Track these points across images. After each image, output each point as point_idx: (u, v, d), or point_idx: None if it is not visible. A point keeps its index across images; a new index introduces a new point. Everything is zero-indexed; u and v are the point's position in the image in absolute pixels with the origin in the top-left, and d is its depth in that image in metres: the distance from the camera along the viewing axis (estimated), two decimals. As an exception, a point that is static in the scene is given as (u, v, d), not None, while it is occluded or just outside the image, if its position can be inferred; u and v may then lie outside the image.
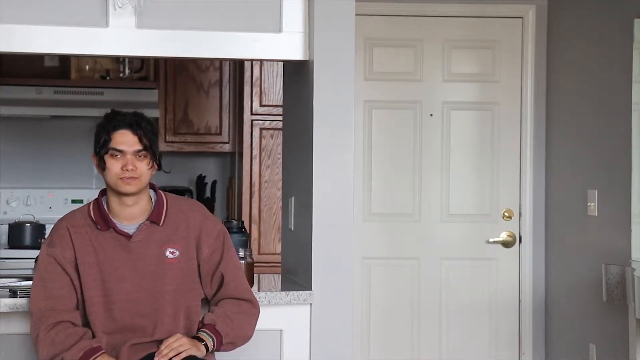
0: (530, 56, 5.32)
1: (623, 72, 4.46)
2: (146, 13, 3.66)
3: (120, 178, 3.16)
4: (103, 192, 3.28)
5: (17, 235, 5.77)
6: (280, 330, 3.67)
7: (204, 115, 6.01)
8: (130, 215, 3.24)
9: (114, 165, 3.17)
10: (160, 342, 3.15)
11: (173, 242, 3.25)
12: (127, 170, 3.15)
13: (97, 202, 3.27)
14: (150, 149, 3.19)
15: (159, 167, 3.25)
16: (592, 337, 4.77)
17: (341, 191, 3.74)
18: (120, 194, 3.20)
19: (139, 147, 3.18)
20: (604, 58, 4.70)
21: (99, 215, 3.24)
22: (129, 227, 3.24)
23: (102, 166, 3.19)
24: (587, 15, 4.88)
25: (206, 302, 3.35)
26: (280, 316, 3.66)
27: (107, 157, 3.18)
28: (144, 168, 3.19)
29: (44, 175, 6.18)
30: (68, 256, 3.21)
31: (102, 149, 3.18)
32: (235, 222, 3.87)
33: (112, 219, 3.23)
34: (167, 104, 5.98)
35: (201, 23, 3.72)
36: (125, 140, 3.17)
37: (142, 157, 3.18)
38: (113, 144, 3.17)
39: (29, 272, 3.93)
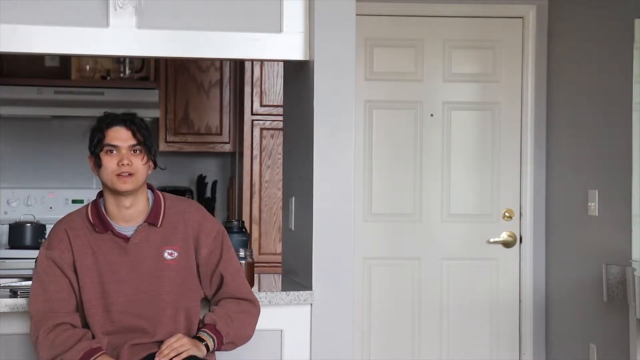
0: (530, 56, 5.32)
1: (623, 72, 4.46)
2: (146, 13, 3.66)
3: (117, 175, 3.15)
4: (101, 194, 3.28)
5: (17, 236, 5.77)
6: (281, 331, 3.66)
7: (205, 115, 6.00)
8: (128, 217, 3.23)
9: (109, 162, 3.17)
10: (160, 342, 3.15)
11: (171, 244, 3.24)
12: (123, 165, 3.15)
13: (95, 204, 3.26)
14: (144, 144, 3.19)
15: (155, 165, 3.25)
16: (593, 337, 4.77)
17: (342, 191, 3.74)
18: (117, 195, 3.20)
19: (133, 141, 3.18)
20: (604, 58, 4.70)
21: (97, 217, 3.23)
22: (127, 229, 3.23)
23: (98, 164, 3.19)
24: (588, 15, 4.88)
25: (206, 302, 3.35)
26: (280, 316, 3.66)
27: (102, 155, 3.17)
28: (139, 164, 3.18)
29: (44, 175, 6.18)
30: (67, 259, 3.20)
31: (96, 147, 3.18)
32: (235, 222, 3.87)
33: (110, 221, 3.22)
34: (167, 104, 5.98)
35: (202, 23, 3.72)
36: (119, 136, 3.17)
37: (137, 152, 3.18)
38: (107, 140, 3.17)
39: (30, 272, 3.92)
